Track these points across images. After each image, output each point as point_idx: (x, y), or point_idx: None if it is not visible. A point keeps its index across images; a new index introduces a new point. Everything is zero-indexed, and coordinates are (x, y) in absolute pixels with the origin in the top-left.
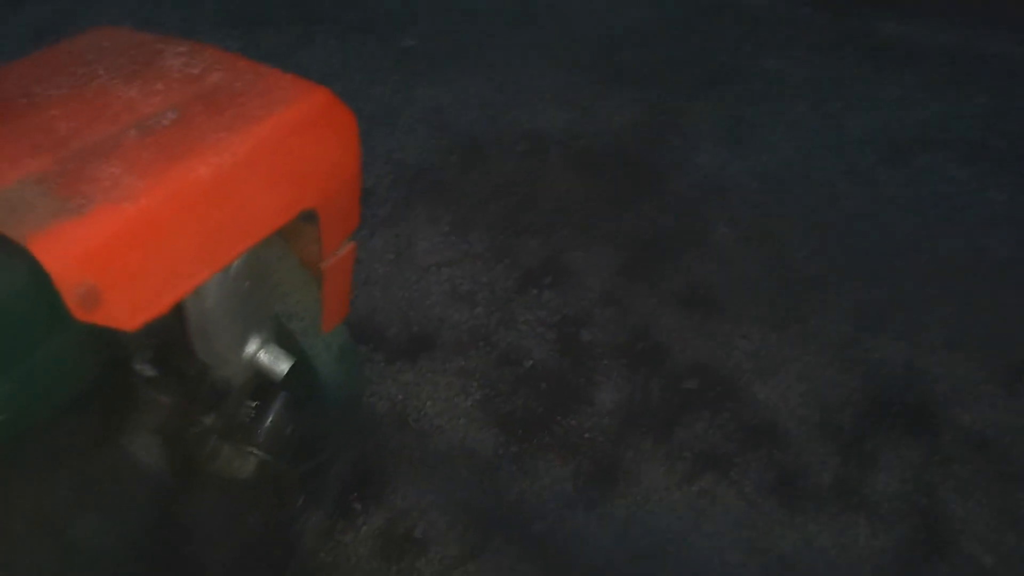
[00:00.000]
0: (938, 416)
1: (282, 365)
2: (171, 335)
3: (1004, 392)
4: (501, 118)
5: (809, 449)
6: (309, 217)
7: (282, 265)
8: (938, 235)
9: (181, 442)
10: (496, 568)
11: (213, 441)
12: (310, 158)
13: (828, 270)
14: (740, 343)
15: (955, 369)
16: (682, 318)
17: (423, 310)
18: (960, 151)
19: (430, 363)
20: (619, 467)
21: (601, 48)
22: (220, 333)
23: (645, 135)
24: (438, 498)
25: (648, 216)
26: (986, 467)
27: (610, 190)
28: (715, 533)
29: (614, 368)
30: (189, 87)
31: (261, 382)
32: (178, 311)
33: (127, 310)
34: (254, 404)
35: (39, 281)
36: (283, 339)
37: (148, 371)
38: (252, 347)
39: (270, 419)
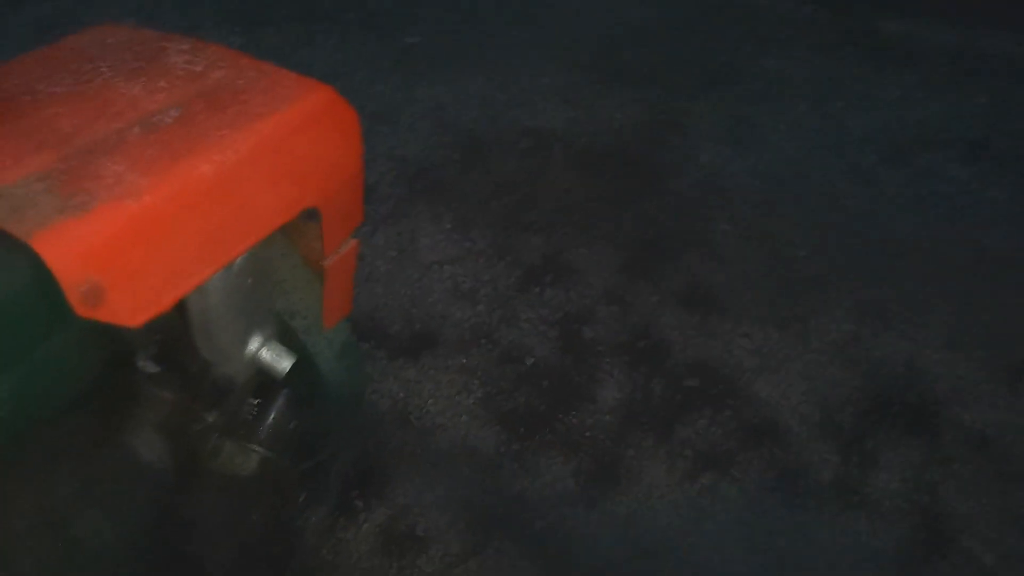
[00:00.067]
0: (939, 415)
1: (284, 362)
2: (174, 332)
3: (1005, 391)
4: (502, 116)
5: (810, 448)
6: (311, 215)
7: (284, 263)
8: (939, 234)
9: (183, 439)
10: (497, 566)
11: (215, 438)
12: (313, 156)
13: (829, 269)
14: (741, 342)
15: (956, 368)
16: (683, 316)
17: (425, 307)
18: (961, 151)
19: (432, 360)
20: (620, 465)
21: (602, 47)
22: (222, 330)
23: (646, 134)
24: (439, 495)
25: (649, 215)
26: (987, 466)
27: (611, 189)
28: (716, 531)
29: (615, 366)
30: (192, 85)
31: (263, 379)
32: (181, 308)
33: (130, 307)
34: (256, 401)
35: (42, 278)
36: (285, 336)
37: (151, 368)
38: (254, 344)
39: (272, 416)
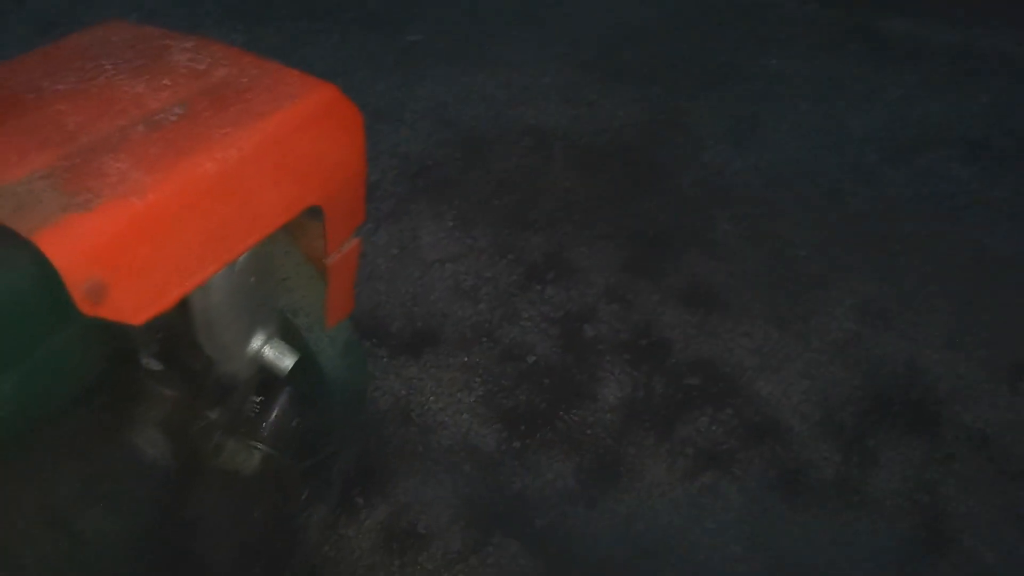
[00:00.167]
0: (939, 414)
1: (287, 360)
2: (177, 330)
3: (1006, 390)
4: (504, 115)
5: (811, 446)
6: (314, 213)
7: (287, 261)
8: (940, 234)
9: (186, 436)
10: (498, 563)
11: (218, 436)
12: (316, 154)
13: (829, 268)
14: (742, 340)
15: (957, 367)
16: (685, 315)
17: (427, 305)
18: (962, 150)
19: (433, 358)
20: (621, 463)
21: (604, 45)
22: (225, 328)
23: (647, 133)
24: (440, 493)
25: (650, 213)
26: (987, 465)
27: (612, 187)
28: (717, 530)
29: (617, 364)
30: (196, 82)
31: (266, 377)
32: (184, 306)
33: (133, 305)
34: (259, 399)
35: (46, 275)
36: (288, 334)
37: (154, 365)
38: (257, 342)
39: (274, 414)
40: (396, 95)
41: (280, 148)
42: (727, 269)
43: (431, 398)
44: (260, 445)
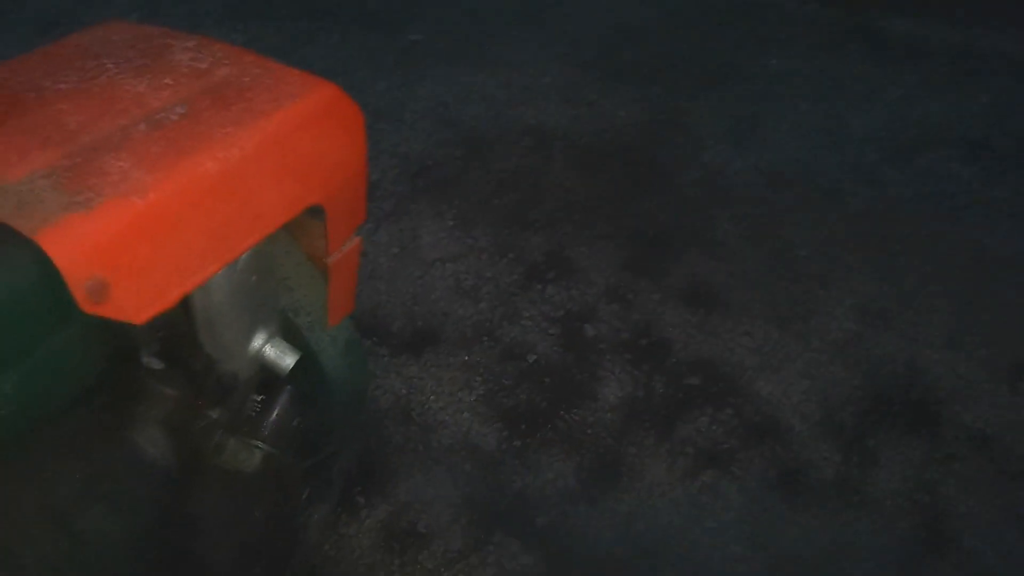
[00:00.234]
0: (939, 414)
1: (288, 359)
2: (178, 329)
3: (1006, 390)
4: (504, 114)
5: (811, 446)
6: (315, 212)
7: (288, 260)
8: (940, 233)
9: (187, 435)
10: (498, 562)
11: (219, 434)
12: (317, 153)
13: (830, 268)
14: (743, 340)
15: (957, 367)
16: (685, 314)
17: (427, 305)
18: (963, 149)
19: (434, 357)
20: (622, 462)
21: (605, 45)
22: (227, 327)
23: (648, 132)
24: (441, 492)
25: (651, 213)
26: (987, 465)
27: (613, 187)
28: (717, 529)
29: (617, 364)
30: (197, 82)
31: (267, 376)
32: (185, 305)
33: (135, 304)
34: (260, 398)
35: (47, 274)
36: (289, 334)
37: (155, 364)
38: (258, 341)
39: (275, 413)
40: (396, 95)
41: (281, 147)
42: (727, 269)
43: (432, 397)
44: (261, 444)
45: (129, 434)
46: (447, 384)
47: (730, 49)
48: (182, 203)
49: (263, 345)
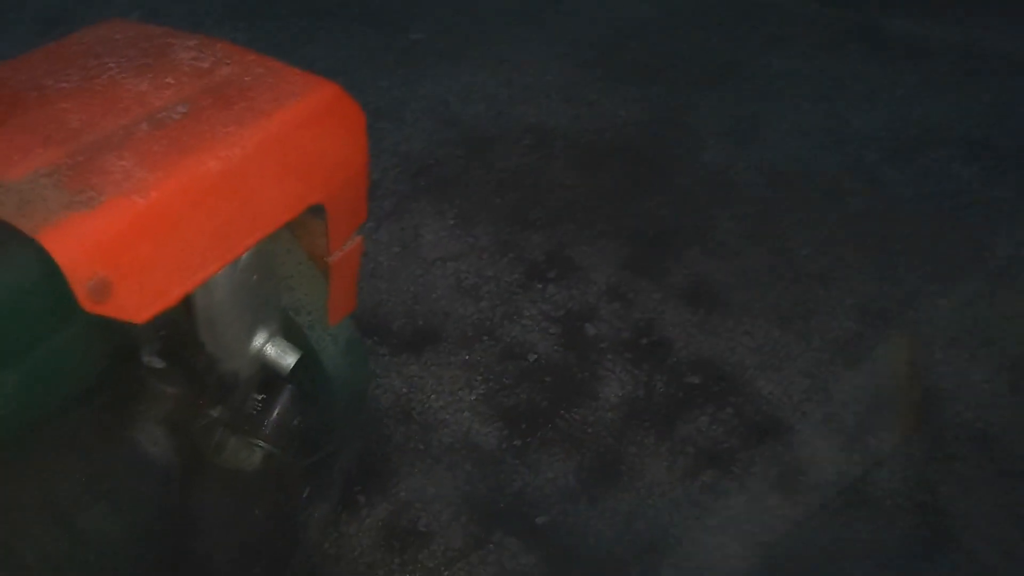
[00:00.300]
0: (940, 413)
1: (289, 358)
2: (179, 327)
3: (1007, 389)
4: (506, 113)
5: (812, 445)
6: (317, 211)
7: (289, 259)
8: (941, 232)
9: (188, 434)
10: (498, 561)
11: (220, 433)
12: (318, 153)
13: (832, 266)
14: (743, 339)
15: (958, 366)
16: (686, 313)
17: (428, 304)
18: (964, 149)
19: (435, 356)
20: (622, 462)
21: (606, 43)
22: (228, 326)
23: (649, 131)
24: (441, 491)
25: (652, 212)
26: (988, 464)
27: (614, 186)
28: (717, 528)
29: (618, 363)
30: (199, 81)
31: (268, 375)
32: (186, 303)
33: (136, 302)
34: (261, 397)
35: (49, 273)
36: (290, 332)
37: (156, 363)
38: (259, 340)
39: (276, 412)
40: (397, 94)
41: (283, 146)
42: (728, 268)
43: (432, 396)
44: (262, 443)
45: (130, 433)
46: (448, 383)
47: (731, 48)
48: (184, 202)
49: (264, 344)
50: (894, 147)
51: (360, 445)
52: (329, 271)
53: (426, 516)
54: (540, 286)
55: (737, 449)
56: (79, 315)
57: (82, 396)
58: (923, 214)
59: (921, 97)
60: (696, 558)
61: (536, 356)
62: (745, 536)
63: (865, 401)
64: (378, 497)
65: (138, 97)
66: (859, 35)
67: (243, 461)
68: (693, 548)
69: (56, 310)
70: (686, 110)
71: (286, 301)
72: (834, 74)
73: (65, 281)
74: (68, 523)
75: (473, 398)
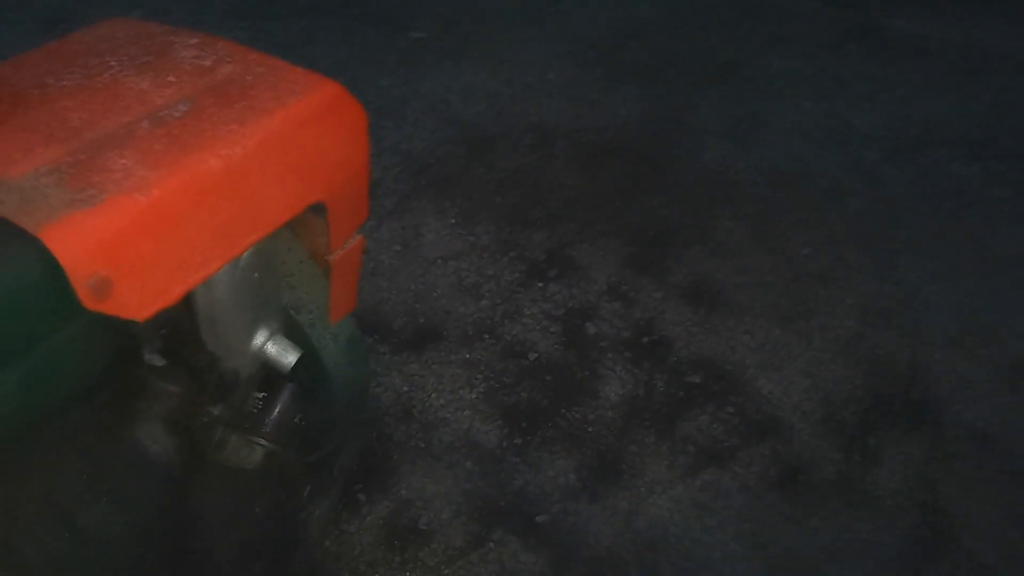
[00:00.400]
0: (941, 413)
1: (290, 356)
2: (180, 325)
3: (1007, 389)
4: (507, 112)
5: (812, 444)
6: (318, 210)
7: (290, 257)
8: (942, 232)
9: (189, 432)
10: (499, 559)
11: (221, 431)
12: (319, 151)
13: (832, 266)
14: (744, 338)
15: (958, 366)
16: (686, 312)
17: (429, 302)
18: (965, 148)
19: (435, 355)
20: (622, 460)
21: (607, 43)
22: (229, 324)
23: (650, 130)
24: (442, 489)
25: (653, 211)
26: (988, 464)
27: (615, 185)
28: (717, 527)
29: (618, 362)
30: (201, 79)
31: (269, 373)
32: (187, 302)
33: (137, 300)
34: (261, 395)
35: (50, 271)
36: (291, 331)
37: (157, 361)
38: (260, 338)
39: (277, 410)
40: (399, 92)
41: (284, 145)
42: (729, 267)
43: (433, 395)
44: (262, 441)
45: (131, 431)
46: (448, 381)
47: (731, 48)
48: (185, 200)
49: (265, 342)
50: (894, 147)
51: (361, 443)
52: (330, 269)
53: (427, 514)
54: (541, 285)
55: (737, 448)
56: (80, 313)
57: (83, 394)
58: (924, 214)
59: (921, 97)
60: (696, 557)
61: (537, 355)
62: (745, 535)
63: (865, 400)
64: (379, 495)
65: (139, 95)
66: (859, 35)
67: (244, 459)
68: (693, 547)
69: (57, 308)
70: (686, 110)
71: (287, 299)
72: (834, 74)
73: (66, 279)
74: (69, 521)
75: (474, 396)
